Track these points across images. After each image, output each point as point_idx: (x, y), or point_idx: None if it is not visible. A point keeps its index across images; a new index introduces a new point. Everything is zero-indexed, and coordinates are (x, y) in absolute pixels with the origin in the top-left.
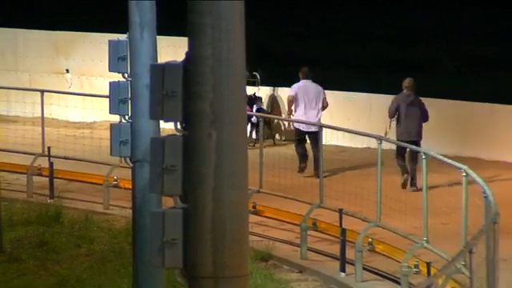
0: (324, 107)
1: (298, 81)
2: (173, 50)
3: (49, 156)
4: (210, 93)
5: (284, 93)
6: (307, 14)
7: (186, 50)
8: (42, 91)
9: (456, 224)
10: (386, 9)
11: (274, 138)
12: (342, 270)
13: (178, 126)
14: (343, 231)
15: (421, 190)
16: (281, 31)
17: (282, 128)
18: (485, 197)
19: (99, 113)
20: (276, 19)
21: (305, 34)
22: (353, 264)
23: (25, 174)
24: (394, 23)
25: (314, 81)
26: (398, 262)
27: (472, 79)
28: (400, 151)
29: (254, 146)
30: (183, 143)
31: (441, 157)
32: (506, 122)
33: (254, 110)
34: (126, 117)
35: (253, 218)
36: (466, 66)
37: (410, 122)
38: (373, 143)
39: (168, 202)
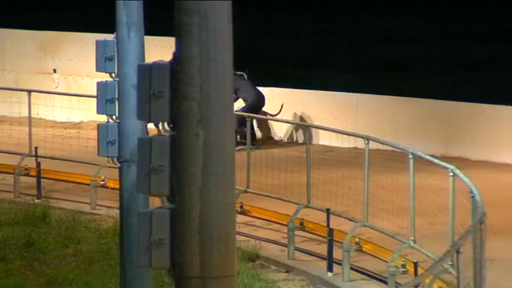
0: None
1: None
2: (160, 49)
3: (36, 156)
4: (197, 93)
5: (274, 93)
6: (295, 14)
7: (174, 49)
8: (29, 91)
9: (443, 224)
10: (372, 8)
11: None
12: (329, 269)
13: (165, 126)
14: (330, 231)
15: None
16: (270, 31)
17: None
18: (472, 197)
19: (86, 113)
20: (265, 19)
21: (293, 33)
22: (340, 264)
23: (12, 173)
24: (381, 23)
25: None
26: (386, 261)
27: (459, 79)
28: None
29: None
30: (170, 143)
31: (428, 156)
32: (493, 122)
33: None
34: (114, 117)
35: (240, 218)
36: (453, 66)
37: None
38: (360, 143)
39: (155, 202)
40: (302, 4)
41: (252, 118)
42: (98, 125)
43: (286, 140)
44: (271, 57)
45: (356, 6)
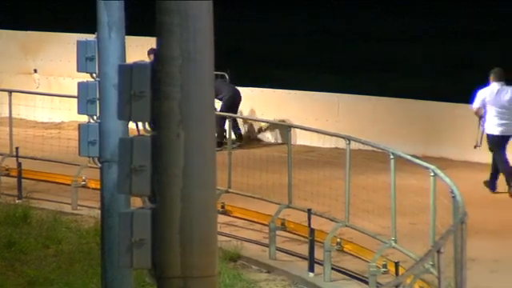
0: None
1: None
2: (141, 50)
3: (17, 156)
4: (178, 93)
5: (255, 93)
6: (288, 14)
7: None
8: (10, 91)
9: (424, 224)
10: (355, 8)
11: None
12: (311, 269)
13: (147, 126)
14: (312, 231)
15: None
16: (252, 31)
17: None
18: (453, 197)
19: (67, 113)
20: (249, 18)
21: (276, 33)
22: (321, 264)
23: None
24: (364, 22)
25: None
26: (367, 261)
27: (441, 79)
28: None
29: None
30: (152, 143)
31: (409, 156)
32: (474, 122)
33: None
34: (95, 117)
35: (221, 219)
36: (435, 66)
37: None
38: (341, 143)
39: (136, 203)
40: (295, 4)
41: (230, 117)
42: (79, 125)
43: (267, 138)
44: (256, 57)
45: (339, 6)
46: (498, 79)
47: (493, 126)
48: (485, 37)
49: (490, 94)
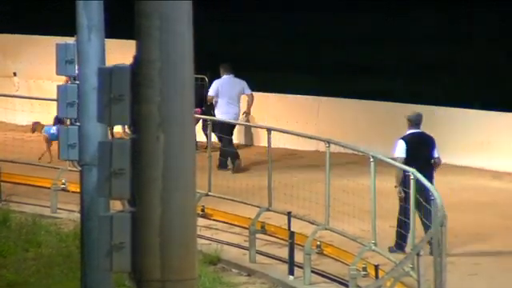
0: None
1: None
2: (121, 52)
3: None
4: (157, 96)
5: None
6: (258, 17)
7: (134, 52)
8: None
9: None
10: (333, 10)
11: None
12: (291, 273)
13: (126, 129)
14: (292, 234)
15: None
16: (231, 33)
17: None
18: (432, 200)
19: (47, 116)
20: (227, 21)
21: (255, 36)
22: (301, 267)
23: None
24: (342, 25)
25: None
26: (347, 264)
27: (418, 82)
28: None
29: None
30: (131, 146)
31: (389, 159)
32: (453, 125)
33: None
34: (73, 120)
35: (201, 222)
36: (412, 69)
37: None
38: (321, 146)
39: (116, 206)
40: (263, 7)
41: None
42: (59, 128)
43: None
44: (236, 59)
45: (317, 9)
46: (228, 72)
47: (223, 113)
48: (460, 39)
49: (222, 84)
